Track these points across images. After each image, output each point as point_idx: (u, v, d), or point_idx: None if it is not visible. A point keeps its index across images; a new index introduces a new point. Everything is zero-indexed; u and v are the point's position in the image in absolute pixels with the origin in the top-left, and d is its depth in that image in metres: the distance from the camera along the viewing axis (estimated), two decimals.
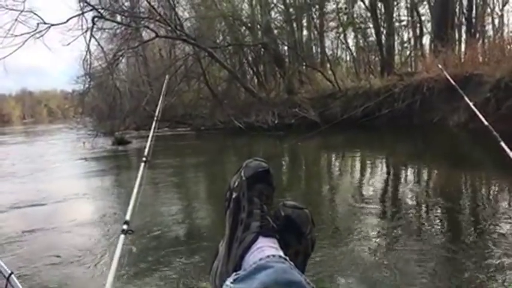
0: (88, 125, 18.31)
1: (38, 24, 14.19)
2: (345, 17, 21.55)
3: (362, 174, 9.31)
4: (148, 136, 3.40)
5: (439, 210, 5.65)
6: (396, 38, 21.83)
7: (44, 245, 5.16)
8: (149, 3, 16.72)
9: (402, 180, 8.23)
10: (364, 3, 20.60)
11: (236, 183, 0.76)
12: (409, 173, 8.76)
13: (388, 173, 9.17)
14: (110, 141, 16.34)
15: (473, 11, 19.15)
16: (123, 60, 22.12)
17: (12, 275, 1.27)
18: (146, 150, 3.16)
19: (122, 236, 2.35)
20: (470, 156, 9.99)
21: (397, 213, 5.63)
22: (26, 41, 14.08)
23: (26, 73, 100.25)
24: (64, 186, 9.27)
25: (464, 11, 18.69)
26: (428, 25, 20.86)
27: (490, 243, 4.20)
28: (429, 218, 5.44)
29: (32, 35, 14.14)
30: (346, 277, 3.71)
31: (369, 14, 20.46)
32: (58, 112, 60.22)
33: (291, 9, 20.63)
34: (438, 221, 5.22)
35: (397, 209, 5.91)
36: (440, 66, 7.29)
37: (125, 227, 2.41)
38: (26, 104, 75.04)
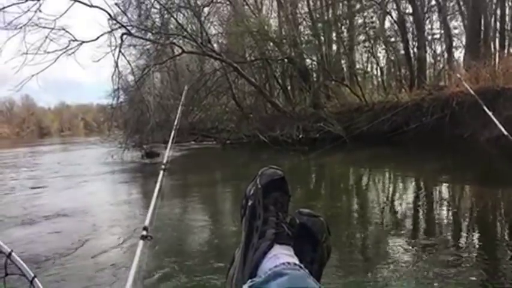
0: (118, 138, 18.81)
1: (69, 41, 14.83)
2: (372, 31, 21.40)
3: (388, 190, 9.11)
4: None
5: (472, 233, 5.40)
6: (429, 51, 21.50)
7: (66, 247, 5.37)
8: (177, 20, 17.20)
9: (431, 198, 7.91)
10: (391, 16, 20.45)
11: (252, 191, 0.77)
12: (439, 191, 8.45)
13: (416, 190, 8.86)
14: (139, 154, 16.78)
15: (509, 24, 18.64)
16: (158, 75, 22.75)
17: (36, 279, 1.28)
18: (165, 158, 3.24)
19: (141, 242, 2.39)
20: (503, 173, 9.58)
21: (426, 234, 5.37)
22: (58, 57, 14.74)
23: (64, 87, 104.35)
24: (92, 192, 9.74)
25: (498, 24, 18.22)
26: (463, 38, 20.41)
27: None
28: (462, 241, 5.13)
29: (64, 52, 14.77)
30: None
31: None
32: (94, 125, 62.09)
33: (319, 24, 20.67)
34: (471, 244, 4.95)
35: (426, 230, 5.65)
36: (459, 75, 7.12)
37: (144, 232, 2.45)
38: (63, 117, 77.79)
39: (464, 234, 5.43)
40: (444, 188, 8.66)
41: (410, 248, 4.77)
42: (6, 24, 14.24)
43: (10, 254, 1.26)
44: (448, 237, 5.25)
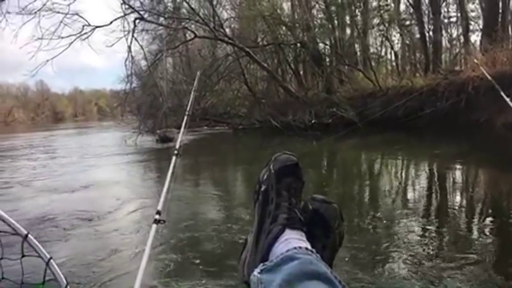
0: (132, 123, 19.00)
1: (83, 26, 14.91)
2: (387, 14, 20.97)
3: (401, 176, 9.06)
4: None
5: (486, 219, 5.34)
6: (444, 34, 21.02)
7: (83, 229, 5.54)
8: (189, 5, 17.11)
9: (445, 184, 7.88)
10: None
11: (265, 176, 0.77)
12: (453, 177, 8.36)
13: (430, 175, 8.80)
14: (153, 139, 16.97)
15: None
16: (170, 60, 22.77)
17: (52, 260, 1.30)
18: (177, 143, 3.25)
19: (154, 226, 2.42)
20: None
21: (440, 220, 5.34)
22: (72, 42, 14.87)
23: (78, 72, 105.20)
24: (109, 177, 10.06)
25: None
26: (480, 21, 19.86)
27: None
28: (475, 226, 5.10)
29: (78, 37, 14.90)
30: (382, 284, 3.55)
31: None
32: (107, 110, 62.54)
33: (332, 8, 20.34)
34: (485, 230, 4.88)
35: (440, 215, 5.61)
36: (476, 60, 6.97)
37: (157, 216, 2.48)
38: (77, 103, 78.55)
39: (477, 219, 5.38)
40: (459, 173, 8.58)
41: (423, 233, 4.75)
42: (21, 9, 14.37)
43: (27, 236, 1.29)
44: (462, 222, 5.23)
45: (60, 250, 4.67)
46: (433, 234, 4.74)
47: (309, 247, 0.67)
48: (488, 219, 5.30)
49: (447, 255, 4.05)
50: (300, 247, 0.66)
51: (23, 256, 1.28)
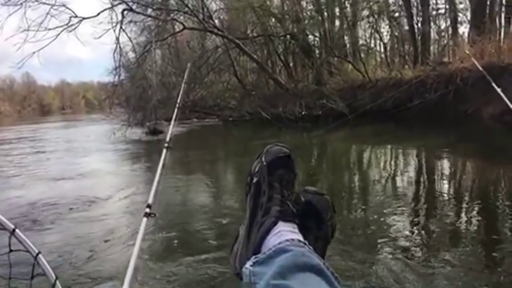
0: (120, 115, 18.84)
1: (70, 17, 14.69)
2: (376, 6, 20.99)
3: (390, 167, 9.12)
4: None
5: (474, 208, 5.37)
6: (433, 26, 21.13)
7: (72, 223, 5.48)
8: None
9: (433, 174, 7.94)
10: None
11: (257, 168, 0.77)
12: (441, 167, 8.45)
13: (418, 166, 8.90)
14: (142, 131, 16.85)
15: None
16: (158, 52, 22.54)
17: (40, 255, 1.30)
18: (168, 136, 3.22)
19: (145, 219, 2.38)
20: (506, 149, 9.54)
21: (428, 209, 5.38)
22: (58, 34, 14.67)
23: (65, 65, 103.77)
24: (99, 168, 10.05)
25: None
26: (468, 13, 19.98)
27: None
28: (463, 215, 5.15)
29: (65, 29, 14.69)
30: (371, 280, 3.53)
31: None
32: (95, 103, 61.86)
33: None
34: (473, 219, 4.94)
35: (428, 205, 5.65)
36: (467, 51, 7.02)
37: (147, 210, 2.47)
38: (64, 95, 77.60)
39: (465, 209, 5.45)
40: (447, 164, 8.68)
41: (412, 223, 4.82)
42: (6, 1, 14.10)
43: (14, 230, 1.27)
44: (450, 211, 5.27)
45: (51, 239, 4.67)
46: (422, 224, 4.80)
47: (302, 239, 0.67)
48: (476, 208, 5.36)
49: (436, 245, 4.10)
50: (293, 239, 0.66)
51: (11, 251, 1.26)
